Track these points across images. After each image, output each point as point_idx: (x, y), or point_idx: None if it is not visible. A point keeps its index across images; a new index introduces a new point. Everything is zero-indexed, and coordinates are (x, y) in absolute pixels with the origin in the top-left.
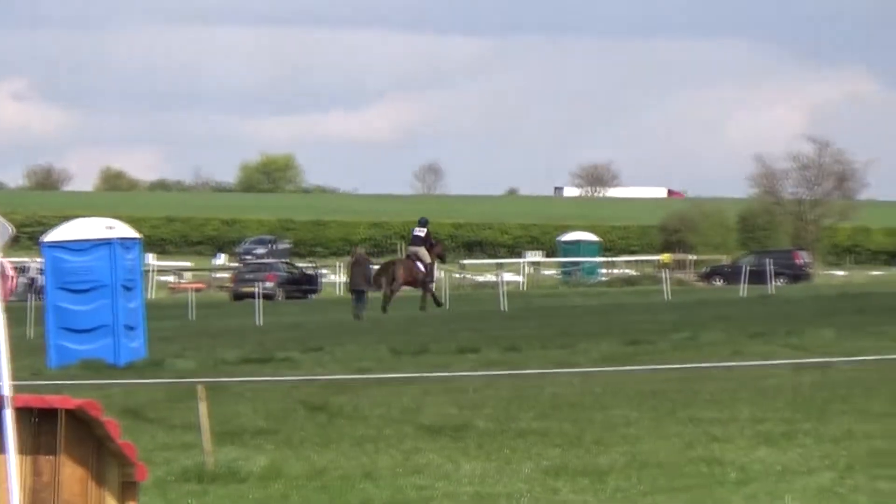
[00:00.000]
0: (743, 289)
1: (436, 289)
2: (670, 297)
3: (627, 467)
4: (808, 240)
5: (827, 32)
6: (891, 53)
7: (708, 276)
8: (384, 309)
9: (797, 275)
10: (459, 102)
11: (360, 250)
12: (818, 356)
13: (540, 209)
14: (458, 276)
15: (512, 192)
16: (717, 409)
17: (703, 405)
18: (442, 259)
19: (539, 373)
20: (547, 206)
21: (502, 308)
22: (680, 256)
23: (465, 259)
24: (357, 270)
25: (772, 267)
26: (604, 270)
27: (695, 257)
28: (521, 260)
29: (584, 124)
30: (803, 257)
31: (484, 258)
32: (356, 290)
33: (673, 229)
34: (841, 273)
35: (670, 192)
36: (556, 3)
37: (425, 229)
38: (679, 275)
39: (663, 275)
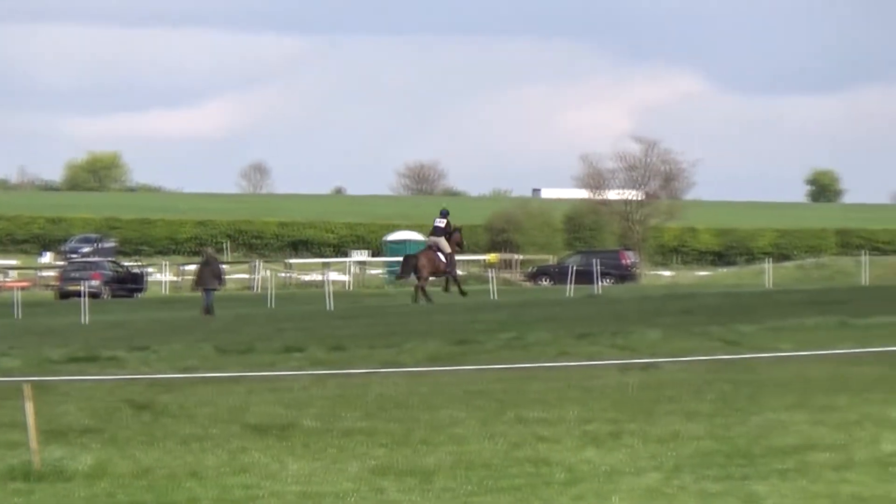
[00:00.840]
0: (570, 289)
1: (260, 288)
2: (497, 296)
3: (454, 467)
4: (635, 240)
5: (653, 33)
6: (717, 54)
7: (535, 276)
8: (415, 300)
9: (624, 275)
10: (285, 101)
11: (210, 250)
12: (644, 357)
13: (366, 208)
14: (283, 275)
15: (338, 192)
16: (544, 409)
17: (530, 405)
18: (461, 247)
19: (365, 372)
20: (373, 206)
21: (328, 307)
22: (506, 256)
23: (290, 258)
24: (206, 269)
25: (598, 267)
26: None
27: (521, 257)
28: (347, 259)
29: (410, 123)
30: (630, 257)
31: (310, 257)
32: (205, 289)
33: (499, 229)
34: (667, 273)
35: None
36: (381, 3)
37: (445, 220)
38: (506, 274)
39: (490, 274)
